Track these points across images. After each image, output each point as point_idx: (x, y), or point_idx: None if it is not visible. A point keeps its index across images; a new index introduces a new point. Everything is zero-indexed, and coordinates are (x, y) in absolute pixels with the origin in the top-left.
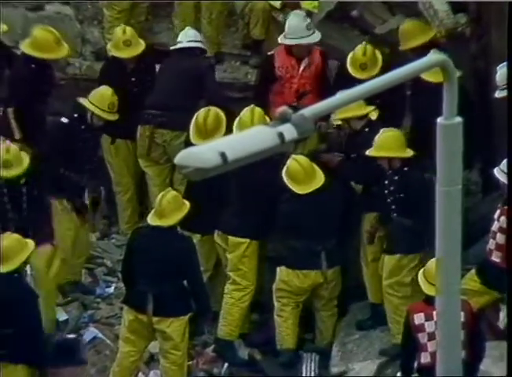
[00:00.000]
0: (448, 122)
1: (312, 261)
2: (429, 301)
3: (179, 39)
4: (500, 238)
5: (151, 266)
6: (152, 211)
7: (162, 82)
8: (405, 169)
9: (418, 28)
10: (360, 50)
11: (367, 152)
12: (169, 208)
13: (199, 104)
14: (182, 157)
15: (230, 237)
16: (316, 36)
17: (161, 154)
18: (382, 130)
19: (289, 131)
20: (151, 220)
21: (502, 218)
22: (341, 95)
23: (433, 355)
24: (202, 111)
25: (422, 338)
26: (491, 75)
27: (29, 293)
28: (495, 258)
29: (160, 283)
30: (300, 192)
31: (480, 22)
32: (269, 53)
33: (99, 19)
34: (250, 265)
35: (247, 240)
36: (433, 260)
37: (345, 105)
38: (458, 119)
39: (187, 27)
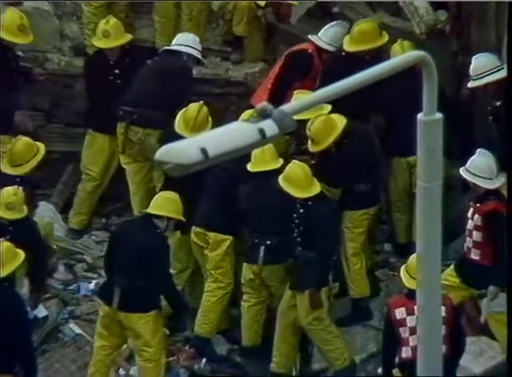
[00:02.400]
0: (429, 119)
1: (252, 255)
2: (410, 295)
3: (174, 41)
4: (477, 236)
5: (122, 258)
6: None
7: (140, 80)
8: (309, 203)
9: (374, 31)
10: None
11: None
12: (163, 203)
13: (173, 104)
14: (163, 153)
15: (213, 234)
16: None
17: (138, 151)
18: (291, 163)
19: (270, 127)
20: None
21: (476, 216)
22: (321, 92)
23: (414, 349)
24: (195, 105)
25: (404, 332)
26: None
27: (20, 302)
28: (474, 255)
29: (128, 275)
30: (253, 170)
31: (460, 19)
32: (309, 51)
33: (78, 14)
34: (231, 262)
35: (230, 237)
36: (415, 255)
37: (325, 101)
38: (439, 115)
39: (186, 33)
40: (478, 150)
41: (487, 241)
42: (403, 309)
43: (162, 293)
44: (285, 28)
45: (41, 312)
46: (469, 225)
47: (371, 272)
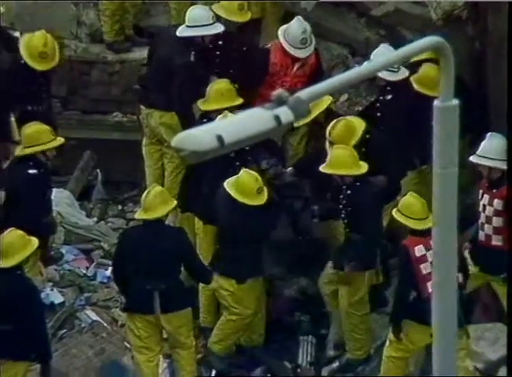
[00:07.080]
0: (445, 105)
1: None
2: (420, 234)
3: (186, 20)
4: (497, 221)
5: (152, 263)
6: (140, 209)
7: (152, 61)
8: (357, 184)
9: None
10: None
11: (320, 168)
12: (154, 202)
13: (172, 90)
14: (179, 140)
15: (196, 220)
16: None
17: (151, 132)
18: (334, 147)
19: (285, 114)
20: (139, 215)
21: (496, 201)
22: (338, 77)
23: None
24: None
25: (425, 268)
26: (488, 57)
27: (31, 289)
28: (496, 241)
29: (163, 278)
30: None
31: (477, 4)
32: (267, 46)
33: (94, 1)
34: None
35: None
36: (406, 197)
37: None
38: (455, 102)
39: (193, 7)
40: (488, 134)
41: (508, 225)
42: (421, 246)
43: (199, 277)
44: (301, 14)
45: (57, 298)
46: (488, 211)
47: (385, 260)
